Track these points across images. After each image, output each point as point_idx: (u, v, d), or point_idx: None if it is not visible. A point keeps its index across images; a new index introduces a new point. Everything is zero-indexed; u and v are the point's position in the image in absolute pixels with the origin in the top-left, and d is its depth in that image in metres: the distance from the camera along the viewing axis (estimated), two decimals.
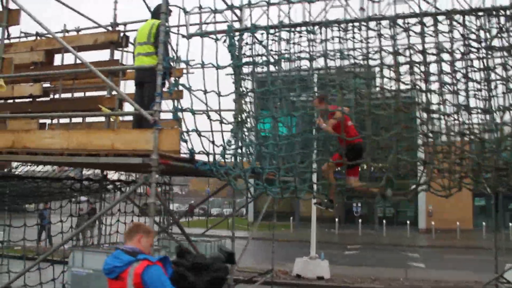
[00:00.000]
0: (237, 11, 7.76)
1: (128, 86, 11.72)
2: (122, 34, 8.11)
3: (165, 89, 5.31)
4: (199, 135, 5.43)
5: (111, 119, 8.04)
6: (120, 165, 5.14)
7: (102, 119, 9.56)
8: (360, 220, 26.60)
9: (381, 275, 12.82)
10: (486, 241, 23.57)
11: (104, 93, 9.56)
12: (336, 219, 26.58)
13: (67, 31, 8.76)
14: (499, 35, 5.98)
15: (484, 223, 25.14)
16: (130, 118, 9.81)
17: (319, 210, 33.05)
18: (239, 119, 5.89)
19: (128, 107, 9.10)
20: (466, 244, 22.55)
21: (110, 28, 8.51)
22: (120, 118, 9.07)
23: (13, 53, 7.91)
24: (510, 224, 25.05)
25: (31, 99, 7.59)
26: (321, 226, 26.77)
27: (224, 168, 5.34)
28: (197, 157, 5.31)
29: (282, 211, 32.65)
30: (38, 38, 8.75)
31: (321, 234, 26.18)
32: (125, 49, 8.33)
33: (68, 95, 8.53)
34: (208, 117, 5.08)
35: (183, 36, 5.15)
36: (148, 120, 5.39)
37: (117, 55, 8.91)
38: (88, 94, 9.30)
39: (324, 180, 6.29)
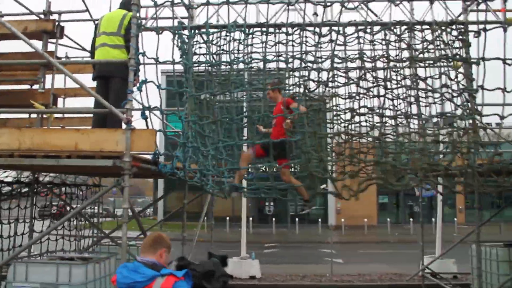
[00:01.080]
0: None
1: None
2: (57, 23, 7.46)
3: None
4: (165, 135, 5.16)
5: (44, 116, 7.38)
6: (83, 167, 4.67)
7: (25, 116, 8.76)
8: (274, 219, 27.20)
9: (308, 272, 13.18)
10: (391, 236, 25.46)
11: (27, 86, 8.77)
12: (250, 218, 26.88)
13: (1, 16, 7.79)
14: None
15: (388, 219, 27.03)
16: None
17: (231, 210, 33.11)
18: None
19: (61, 103, 8.39)
20: (375, 239, 24.08)
21: (42, 16, 7.73)
22: (55, 115, 8.37)
23: None
24: (411, 219, 27.21)
25: None
26: (233, 225, 26.97)
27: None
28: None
29: (193, 211, 32.39)
30: None
31: (235, 233, 26.38)
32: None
33: None
34: (180, 117, 4.81)
35: (151, 30, 4.84)
36: (115, 118, 5.00)
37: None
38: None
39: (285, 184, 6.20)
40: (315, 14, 6.93)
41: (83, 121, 8.00)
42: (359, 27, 6.68)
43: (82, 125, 8.44)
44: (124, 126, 4.48)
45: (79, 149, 4.38)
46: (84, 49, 8.94)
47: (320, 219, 27.03)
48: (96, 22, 6.32)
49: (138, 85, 4.62)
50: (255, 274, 12.11)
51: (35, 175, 7.14)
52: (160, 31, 4.92)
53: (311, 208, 7.20)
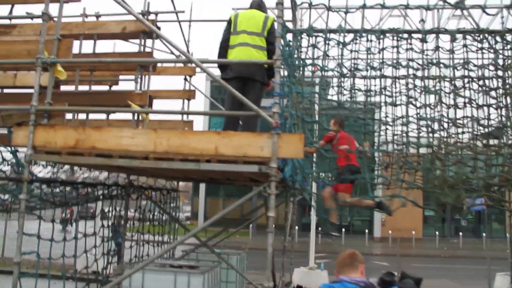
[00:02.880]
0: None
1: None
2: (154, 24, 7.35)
3: None
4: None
5: (140, 118, 7.24)
6: (219, 172, 4.44)
7: (123, 116, 8.68)
8: (320, 229, 26.68)
9: None
10: (439, 250, 24.66)
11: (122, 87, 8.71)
12: (296, 227, 26.51)
13: (86, 16, 7.76)
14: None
15: (437, 233, 26.21)
16: (156, 117, 9.01)
17: (276, 219, 33.37)
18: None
19: (156, 105, 8.28)
20: (424, 253, 23.34)
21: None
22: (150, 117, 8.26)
23: (17, 35, 6.87)
24: (460, 233, 26.32)
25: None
26: (277, 234, 26.69)
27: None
28: None
29: (235, 218, 32.29)
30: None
31: (280, 242, 26.01)
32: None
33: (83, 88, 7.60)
34: (318, 123, 4.52)
35: (291, 31, 4.58)
36: (251, 122, 4.79)
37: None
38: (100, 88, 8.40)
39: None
40: (422, 20, 6.62)
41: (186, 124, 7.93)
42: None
43: (185, 127, 8.33)
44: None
45: (219, 153, 4.13)
46: (172, 53, 8.88)
47: (366, 230, 26.43)
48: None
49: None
50: None
51: (129, 178, 7.00)
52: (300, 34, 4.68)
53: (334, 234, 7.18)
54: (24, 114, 5.09)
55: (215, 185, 27.17)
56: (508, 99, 6.51)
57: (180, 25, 9.18)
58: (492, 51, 6.33)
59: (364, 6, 5.19)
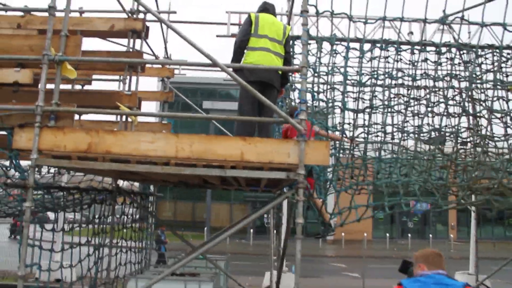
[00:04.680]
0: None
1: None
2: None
3: None
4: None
5: (129, 120, 7.00)
6: (244, 179, 4.37)
7: (102, 117, 8.31)
8: (275, 231, 26.91)
9: (338, 286, 13.05)
10: (390, 251, 25.60)
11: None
12: (251, 230, 26.65)
13: (81, 13, 7.40)
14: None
15: (387, 234, 27.21)
16: (147, 119, 8.71)
17: (229, 220, 33.10)
18: None
19: (144, 107, 8.01)
20: (377, 254, 24.13)
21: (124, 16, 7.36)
22: (138, 119, 8.00)
23: None
24: (409, 235, 27.47)
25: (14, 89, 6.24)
26: (232, 237, 26.63)
27: None
28: None
29: (190, 220, 31.89)
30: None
31: (235, 245, 26.01)
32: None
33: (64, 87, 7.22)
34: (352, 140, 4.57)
35: (313, 38, 4.60)
36: (267, 127, 4.77)
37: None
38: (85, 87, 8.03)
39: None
40: (411, 33, 6.88)
41: (164, 127, 7.68)
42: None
43: (162, 129, 8.09)
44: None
45: (245, 159, 4.07)
46: (154, 54, 8.64)
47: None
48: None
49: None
50: None
51: (116, 182, 6.74)
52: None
53: (330, 233, 7.22)
54: (25, 115, 4.78)
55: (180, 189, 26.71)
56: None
57: (161, 26, 8.97)
58: None
59: (384, 18, 5.34)
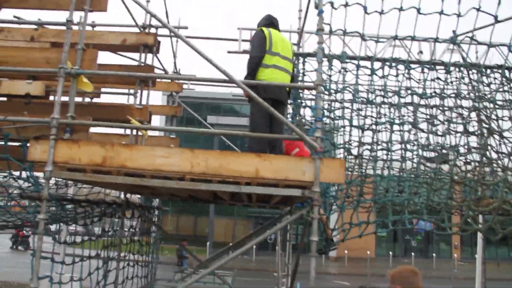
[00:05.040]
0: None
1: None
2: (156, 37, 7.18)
3: None
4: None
5: (139, 133, 7.02)
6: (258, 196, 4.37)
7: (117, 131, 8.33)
8: (277, 248, 26.76)
9: None
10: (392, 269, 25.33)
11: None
12: (254, 246, 26.44)
13: (93, 27, 7.48)
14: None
15: (391, 253, 26.99)
16: (154, 133, 8.73)
17: (231, 235, 32.93)
18: None
19: (153, 121, 8.03)
20: (379, 272, 23.90)
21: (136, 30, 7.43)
22: (149, 133, 8.02)
23: (3, 40, 6.52)
24: (413, 254, 27.24)
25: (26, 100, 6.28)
26: (234, 252, 26.46)
27: None
28: None
29: (191, 234, 31.72)
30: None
31: (238, 261, 25.80)
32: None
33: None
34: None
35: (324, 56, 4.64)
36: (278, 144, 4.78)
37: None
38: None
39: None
40: (421, 52, 6.92)
41: (172, 141, 7.68)
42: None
43: (170, 143, 8.10)
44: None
45: (260, 176, 4.07)
46: (164, 69, 8.70)
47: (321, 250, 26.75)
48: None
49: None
50: None
51: (125, 196, 6.73)
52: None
53: (332, 248, 7.23)
54: (40, 127, 4.81)
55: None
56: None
57: (171, 41, 9.05)
58: None
59: (396, 37, 5.41)
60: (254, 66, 4.92)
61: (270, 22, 5.31)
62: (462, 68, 6.20)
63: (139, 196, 9.20)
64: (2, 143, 4.84)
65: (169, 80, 9.17)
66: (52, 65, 4.68)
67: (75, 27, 7.59)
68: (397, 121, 6.67)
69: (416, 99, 6.19)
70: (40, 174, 4.96)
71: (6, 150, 4.59)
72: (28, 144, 4.42)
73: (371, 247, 29.93)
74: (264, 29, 5.10)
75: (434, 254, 27.81)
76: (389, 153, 6.74)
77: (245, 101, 5.33)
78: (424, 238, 31.83)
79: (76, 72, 4.49)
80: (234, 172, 4.09)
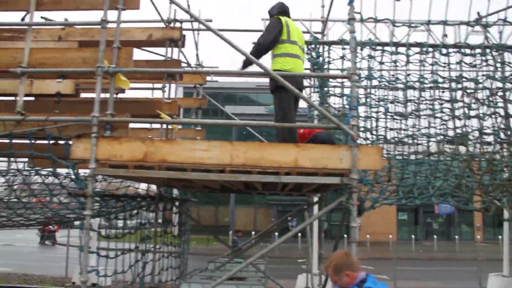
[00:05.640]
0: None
1: None
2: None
3: None
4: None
5: (169, 127, 7.13)
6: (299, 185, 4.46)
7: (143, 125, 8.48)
8: (299, 235, 26.95)
9: None
10: (415, 253, 25.38)
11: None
12: (276, 234, 26.67)
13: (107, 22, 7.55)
14: None
15: (413, 236, 26.95)
16: (179, 125, 8.87)
17: (253, 224, 33.05)
18: None
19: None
20: (403, 256, 23.92)
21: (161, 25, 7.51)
22: (178, 127, 8.14)
23: (33, 41, 6.65)
24: (435, 236, 27.15)
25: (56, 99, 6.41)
26: (256, 240, 26.74)
27: None
28: None
29: (213, 224, 32.07)
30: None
31: (260, 249, 25.98)
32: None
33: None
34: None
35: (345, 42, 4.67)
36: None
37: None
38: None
39: None
40: (445, 35, 6.86)
41: (198, 133, 7.79)
42: None
43: (196, 136, 8.22)
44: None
45: (299, 165, 4.15)
46: (188, 62, 8.78)
47: (346, 235, 26.86)
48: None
49: None
50: None
51: (159, 189, 6.87)
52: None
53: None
54: (80, 126, 4.94)
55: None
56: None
57: (193, 34, 9.12)
58: None
59: (429, 22, 5.40)
60: (261, 50, 4.92)
61: (283, 10, 5.30)
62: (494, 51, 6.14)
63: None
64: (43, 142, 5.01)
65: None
66: (89, 65, 4.78)
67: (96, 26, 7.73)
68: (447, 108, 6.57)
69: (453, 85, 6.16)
70: (81, 171, 5.12)
71: (49, 149, 4.74)
72: (70, 143, 4.56)
73: (393, 231, 29.90)
74: (281, 17, 5.10)
75: (456, 236, 27.68)
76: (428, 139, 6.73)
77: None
78: (445, 220, 31.68)
79: (113, 70, 4.59)
80: (273, 163, 4.17)
